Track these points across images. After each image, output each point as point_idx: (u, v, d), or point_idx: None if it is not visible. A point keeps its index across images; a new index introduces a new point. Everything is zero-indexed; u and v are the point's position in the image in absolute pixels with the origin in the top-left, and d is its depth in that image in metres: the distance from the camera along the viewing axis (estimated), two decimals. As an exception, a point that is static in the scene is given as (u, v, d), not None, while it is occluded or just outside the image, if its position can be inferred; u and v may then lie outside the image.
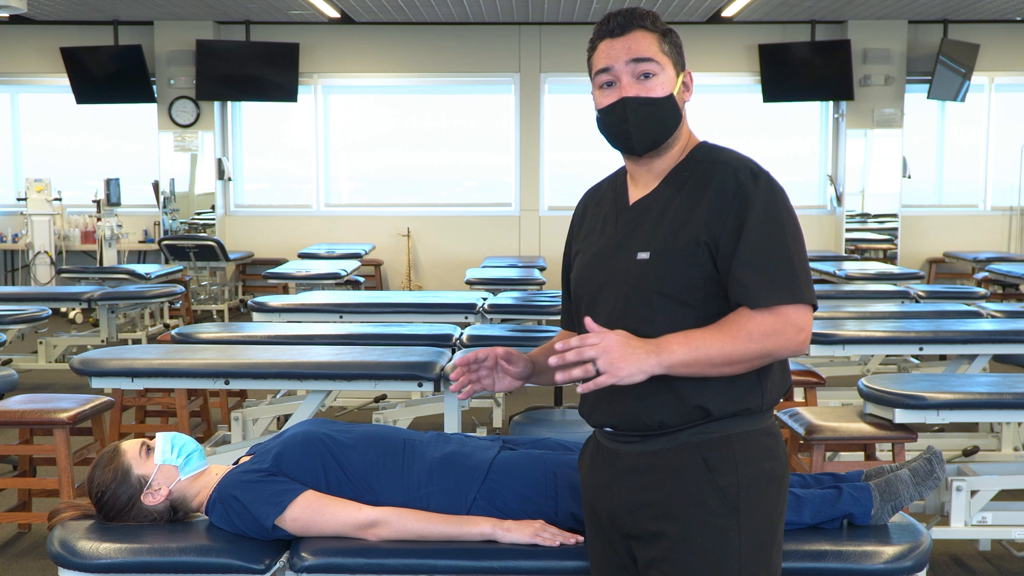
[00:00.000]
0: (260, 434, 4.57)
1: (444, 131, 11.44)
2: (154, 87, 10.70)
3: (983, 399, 3.61)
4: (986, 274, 8.75)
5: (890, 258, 10.74)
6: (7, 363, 6.62)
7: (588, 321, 1.81)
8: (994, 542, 3.90)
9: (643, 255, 1.90)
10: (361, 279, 8.93)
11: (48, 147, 11.47)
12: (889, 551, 2.33)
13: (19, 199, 10.18)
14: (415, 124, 11.48)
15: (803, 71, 10.55)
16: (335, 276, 7.57)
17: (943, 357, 6.57)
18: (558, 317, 5.68)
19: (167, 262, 9.90)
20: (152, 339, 7.53)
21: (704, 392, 1.87)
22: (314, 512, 2.40)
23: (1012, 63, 10.90)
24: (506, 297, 5.94)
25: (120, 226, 9.98)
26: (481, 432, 4.91)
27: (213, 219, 11.02)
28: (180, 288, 7.59)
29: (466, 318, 5.56)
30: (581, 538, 2.33)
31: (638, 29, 1.93)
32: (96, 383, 3.90)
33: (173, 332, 4.77)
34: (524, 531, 2.35)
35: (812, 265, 8.41)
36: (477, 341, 4.62)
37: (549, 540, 2.33)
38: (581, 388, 1.78)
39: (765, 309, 1.82)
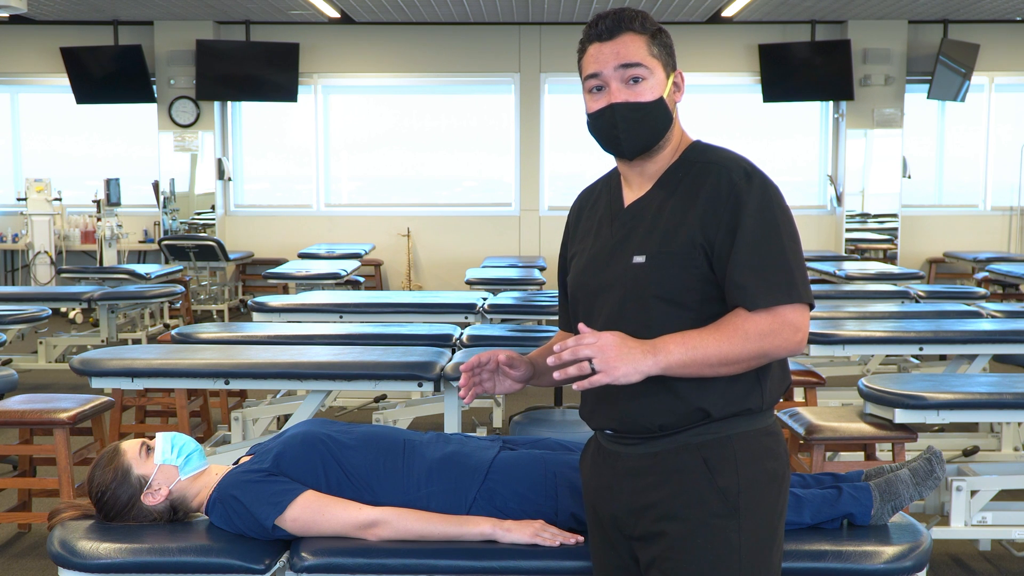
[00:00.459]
0: (260, 434, 4.57)
1: (444, 131, 11.43)
2: (154, 87, 10.70)
3: (983, 399, 3.61)
4: (986, 274, 8.75)
5: (890, 258, 10.74)
6: (7, 363, 6.62)
7: (581, 326, 1.82)
8: (994, 542, 3.90)
9: (639, 259, 1.90)
10: (361, 279, 8.93)
11: (48, 147, 11.47)
12: (889, 551, 2.33)
13: (19, 199, 10.18)
14: (415, 124, 11.47)
15: (803, 71, 10.55)
16: (335, 276, 7.57)
17: (943, 357, 6.56)
18: (558, 317, 5.69)
19: (167, 262, 9.90)
20: (152, 339, 7.53)
21: (704, 393, 1.87)
22: (314, 512, 2.40)
23: (1012, 63, 10.90)
24: (506, 297, 5.94)
25: (120, 226, 9.98)
26: (481, 432, 4.91)
27: (213, 219, 11.01)
28: (180, 288, 7.59)
29: (466, 318, 5.56)
30: (581, 538, 2.33)
31: (627, 32, 1.92)
32: (96, 383, 3.91)
33: (173, 332, 4.77)
34: (524, 531, 2.35)
35: (812, 265, 8.47)
36: (477, 341, 4.62)
37: (549, 540, 2.33)
38: (577, 386, 1.79)
39: (762, 310, 1.82)
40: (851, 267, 7.95)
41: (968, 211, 11.25)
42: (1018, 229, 11.12)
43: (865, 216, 10.93)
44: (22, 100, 11.47)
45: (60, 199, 10.20)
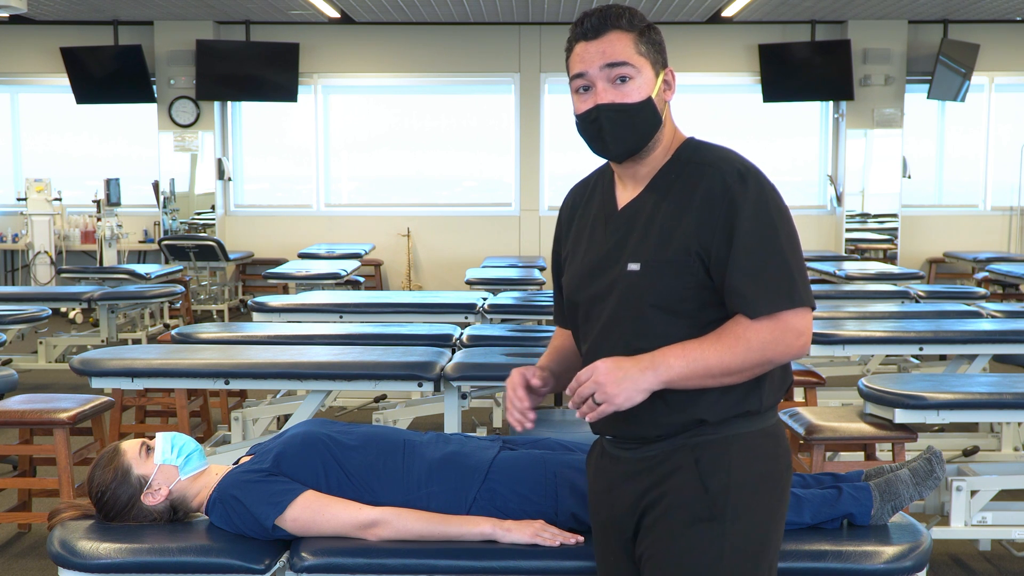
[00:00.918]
0: (260, 434, 4.57)
1: (444, 131, 11.43)
2: (154, 87, 10.70)
3: (983, 399, 3.61)
4: (986, 274, 8.75)
5: (890, 258, 10.74)
6: (7, 363, 6.62)
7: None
8: (994, 542, 3.90)
9: (633, 266, 1.86)
10: (361, 279, 8.93)
11: (48, 147, 11.47)
12: (889, 551, 2.33)
13: (19, 199, 10.18)
14: (415, 124, 11.47)
15: (803, 71, 10.55)
16: (335, 276, 7.57)
17: (943, 357, 6.56)
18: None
19: (167, 262, 9.90)
20: (152, 339, 7.53)
21: (699, 402, 1.84)
22: (314, 512, 2.40)
23: (1012, 63, 10.90)
24: (506, 297, 5.94)
25: (120, 226, 9.98)
26: (481, 432, 4.91)
27: (213, 219, 11.01)
28: (180, 288, 7.59)
29: (466, 318, 5.56)
30: (581, 538, 2.33)
31: (613, 31, 1.85)
32: (96, 383, 3.91)
33: (173, 332, 4.77)
34: (524, 531, 2.35)
35: (812, 265, 8.47)
36: (477, 341, 4.62)
37: (549, 540, 2.33)
38: (589, 418, 1.81)
39: (763, 317, 1.78)
40: (851, 267, 7.95)
41: (968, 211, 11.25)
42: (1018, 229, 11.12)
43: (865, 216, 10.92)
44: (22, 100, 11.47)
45: (60, 199, 10.20)
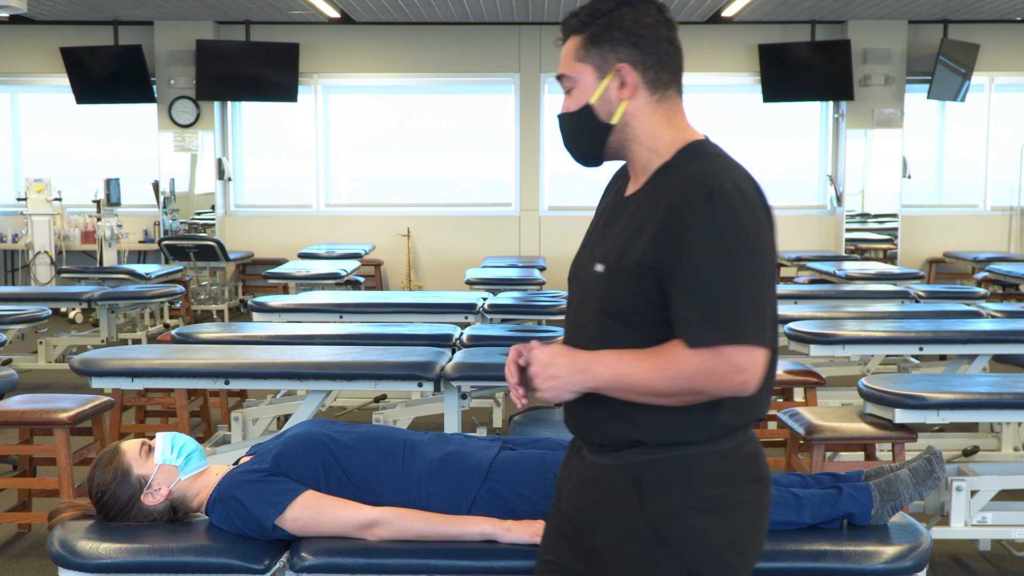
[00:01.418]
0: (260, 434, 4.57)
1: (444, 131, 11.43)
2: (154, 87, 10.70)
3: (983, 399, 3.62)
4: (986, 274, 8.75)
5: (890, 258, 10.74)
6: (7, 363, 6.61)
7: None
8: (994, 542, 3.90)
9: (599, 268, 1.78)
10: (361, 279, 8.93)
11: (48, 147, 11.47)
12: (889, 551, 2.33)
13: (19, 199, 10.17)
14: (415, 124, 11.47)
15: (803, 71, 10.55)
16: (335, 276, 7.57)
17: (943, 357, 6.56)
18: (558, 317, 5.70)
19: (167, 262, 9.90)
20: (152, 339, 7.53)
21: (638, 420, 1.74)
22: (314, 512, 2.40)
23: (1012, 63, 10.90)
24: (506, 297, 5.94)
25: (120, 226, 9.97)
26: (481, 432, 4.91)
27: (213, 219, 11.01)
28: (180, 288, 7.59)
29: (466, 318, 5.56)
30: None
31: (569, 36, 1.81)
32: (96, 383, 3.91)
33: (173, 332, 4.77)
34: (524, 531, 2.35)
35: (812, 265, 8.48)
36: (477, 341, 4.62)
37: (549, 540, 2.32)
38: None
39: (701, 347, 1.64)
40: (851, 267, 7.95)
41: (968, 211, 11.25)
42: (1018, 229, 11.12)
43: (865, 216, 10.92)
44: (22, 100, 11.47)
45: (60, 199, 10.19)
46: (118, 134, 11.41)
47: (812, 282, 8.14)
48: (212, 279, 10.26)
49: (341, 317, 5.44)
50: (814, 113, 11.20)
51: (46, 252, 9.98)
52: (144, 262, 10.99)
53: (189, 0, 9.67)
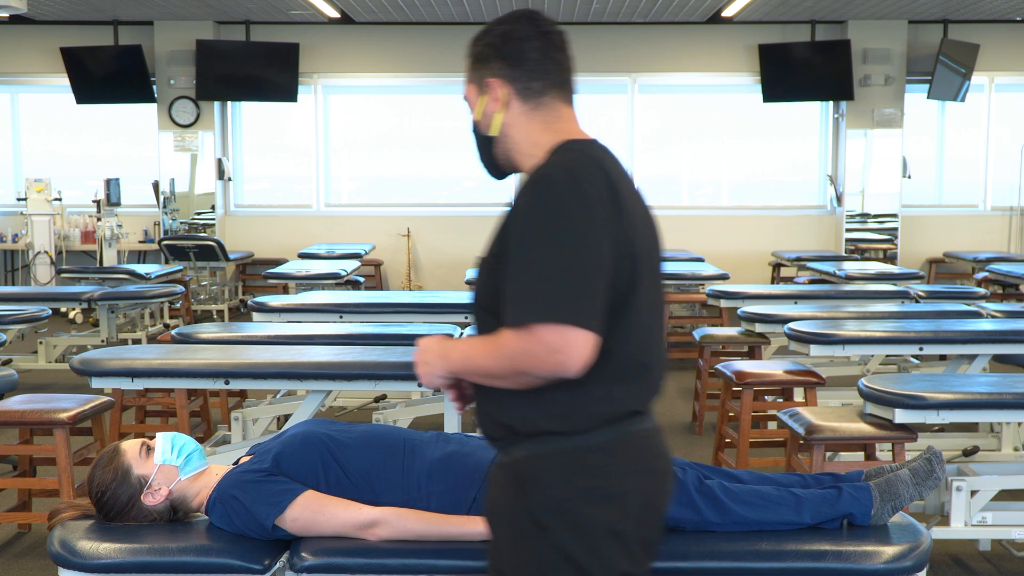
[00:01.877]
0: (260, 434, 4.57)
1: (444, 131, 11.43)
2: (154, 87, 10.70)
3: (983, 399, 3.62)
4: (986, 274, 8.75)
5: (890, 258, 10.74)
6: (7, 363, 6.62)
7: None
8: (994, 542, 3.90)
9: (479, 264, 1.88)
10: (361, 279, 8.92)
11: (48, 147, 11.47)
12: (889, 551, 2.33)
13: (19, 199, 10.17)
14: (415, 124, 11.47)
15: (803, 71, 10.55)
16: (335, 276, 7.57)
17: (943, 357, 6.56)
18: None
19: (167, 262, 9.90)
20: (152, 339, 7.53)
21: (507, 406, 1.79)
22: (314, 512, 2.40)
23: (1012, 63, 10.90)
24: (506, 297, 5.93)
25: (120, 226, 9.98)
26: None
27: (213, 219, 11.02)
28: (180, 288, 7.59)
29: (466, 318, 5.56)
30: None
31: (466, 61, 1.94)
32: (96, 383, 3.91)
33: (173, 332, 4.77)
34: (524, 531, 2.35)
35: (812, 265, 8.48)
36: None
37: (549, 540, 2.32)
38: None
39: (514, 327, 1.67)
40: (851, 267, 7.95)
41: (968, 211, 11.25)
42: (1018, 229, 11.12)
43: (865, 216, 10.92)
44: (22, 100, 11.47)
45: (60, 199, 10.20)
46: (118, 134, 11.41)
47: (812, 282, 8.14)
48: (212, 279, 10.26)
49: (341, 317, 5.44)
50: (814, 113, 11.20)
51: (46, 252, 9.99)
52: (144, 262, 10.99)
53: (189, 0, 9.67)
